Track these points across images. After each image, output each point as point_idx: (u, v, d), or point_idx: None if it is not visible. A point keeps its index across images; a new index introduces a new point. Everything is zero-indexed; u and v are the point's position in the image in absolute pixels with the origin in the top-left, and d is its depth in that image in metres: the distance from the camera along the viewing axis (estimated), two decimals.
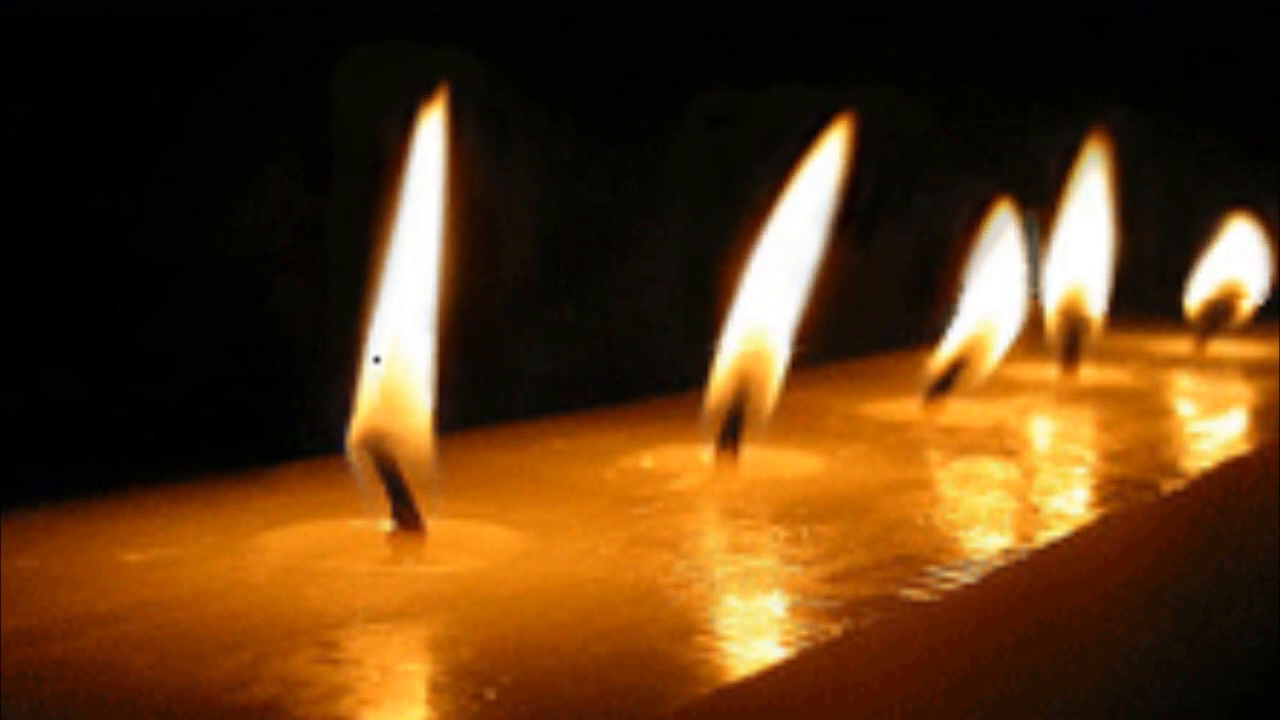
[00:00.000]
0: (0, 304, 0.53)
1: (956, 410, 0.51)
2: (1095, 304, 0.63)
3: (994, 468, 0.45)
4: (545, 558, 0.34)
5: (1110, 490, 0.43)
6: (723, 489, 0.40)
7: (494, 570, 0.33)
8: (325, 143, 0.60)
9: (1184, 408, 0.59)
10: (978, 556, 0.35)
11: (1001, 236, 0.55)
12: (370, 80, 0.58)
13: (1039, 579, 0.36)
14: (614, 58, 0.70)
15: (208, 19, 0.57)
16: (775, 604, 0.31)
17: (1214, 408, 0.58)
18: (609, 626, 0.29)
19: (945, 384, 0.51)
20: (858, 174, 0.45)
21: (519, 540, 0.35)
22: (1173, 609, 0.45)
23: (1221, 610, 0.48)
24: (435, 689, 0.26)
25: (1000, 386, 0.55)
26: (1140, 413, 0.55)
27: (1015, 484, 0.43)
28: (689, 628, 0.29)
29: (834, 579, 0.33)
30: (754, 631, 0.30)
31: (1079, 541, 0.38)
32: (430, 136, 0.35)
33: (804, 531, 0.36)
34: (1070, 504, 0.41)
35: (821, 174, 0.45)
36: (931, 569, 0.34)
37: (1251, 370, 0.65)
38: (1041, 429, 0.53)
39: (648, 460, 0.43)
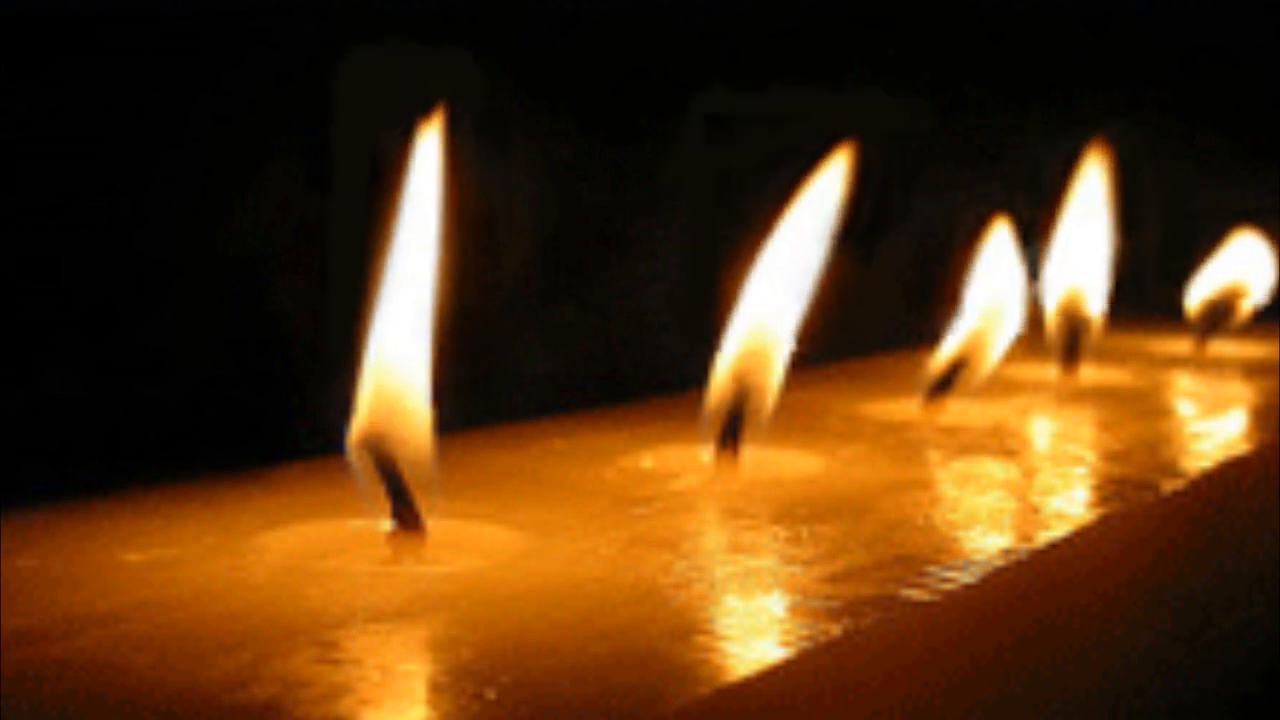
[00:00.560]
0: (0, 304, 0.53)
1: (956, 410, 0.51)
2: (1095, 304, 0.63)
3: (994, 468, 0.45)
4: (545, 558, 0.34)
5: (1110, 490, 0.43)
6: (723, 489, 0.40)
7: (494, 570, 0.33)
8: (325, 143, 0.60)
9: (1184, 408, 0.59)
10: (978, 556, 0.35)
11: (1001, 237, 0.56)
12: (370, 80, 0.58)
13: (1039, 579, 0.36)
14: (614, 58, 0.70)
15: (208, 19, 0.57)
16: (775, 604, 0.31)
17: (1214, 408, 0.58)
18: (609, 626, 0.29)
19: (945, 384, 0.51)
20: (861, 185, 0.45)
21: (519, 540, 0.35)
22: (1173, 609, 0.45)
23: (1221, 610, 0.48)
24: (435, 689, 0.26)
25: (1000, 386, 0.55)
26: (1140, 413, 0.55)
27: (1015, 484, 0.43)
28: (689, 628, 0.29)
29: (834, 579, 0.33)
30: (754, 631, 0.30)
31: (1079, 541, 0.38)
32: (430, 137, 0.35)
33: (804, 531, 0.36)
34: (1070, 504, 0.41)
35: (826, 186, 0.45)
36: (931, 569, 0.34)
37: (1251, 370, 0.65)
38: (1041, 429, 0.53)
39: (648, 460, 0.43)
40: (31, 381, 0.54)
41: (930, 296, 0.56)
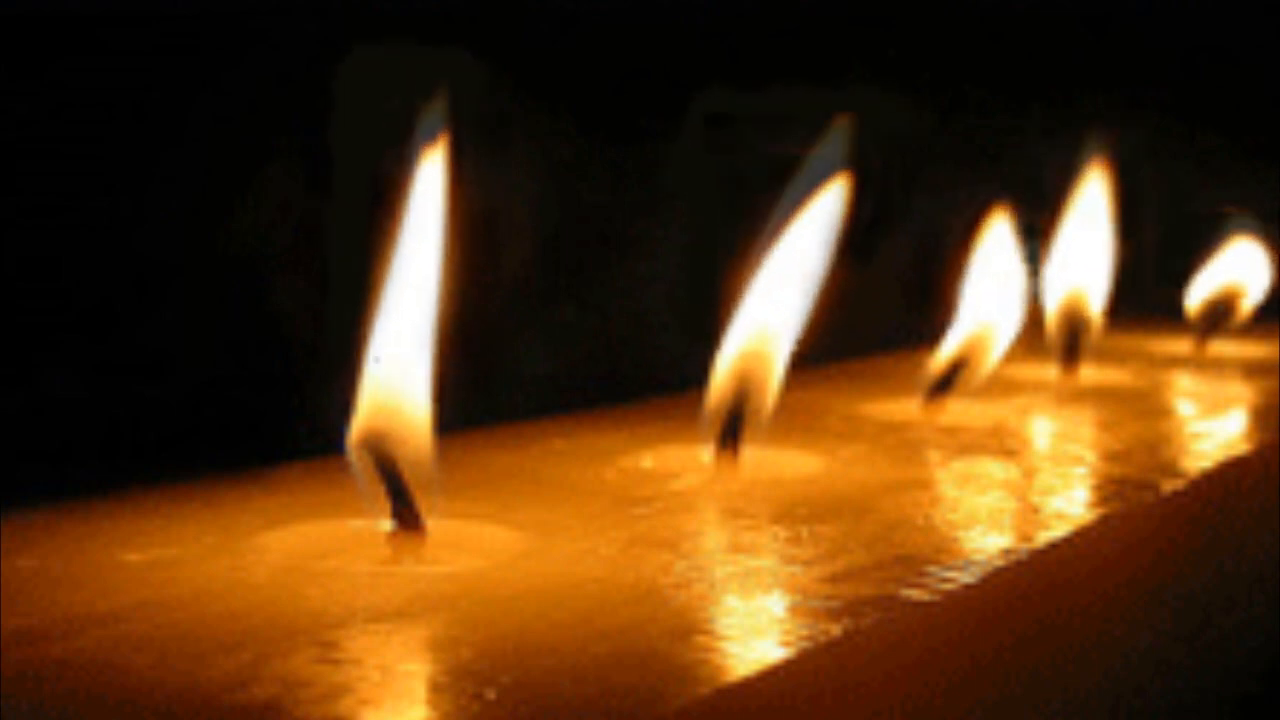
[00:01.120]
0: (0, 304, 0.53)
1: (956, 410, 0.51)
2: (1095, 304, 0.63)
3: (994, 468, 0.45)
4: (545, 558, 0.34)
5: (1110, 490, 0.43)
6: (723, 489, 0.40)
7: (494, 570, 0.33)
8: (325, 143, 0.60)
9: (1184, 408, 0.59)
10: (978, 556, 0.35)
11: (1001, 237, 0.56)
12: (370, 80, 0.58)
13: (1039, 579, 0.36)
14: (614, 58, 0.70)
15: (208, 19, 0.57)
16: (775, 604, 0.31)
17: (1214, 408, 0.58)
18: (609, 626, 0.29)
19: (945, 384, 0.51)
20: (862, 190, 0.45)
21: (519, 540, 0.35)
22: (1173, 609, 0.45)
23: (1221, 610, 0.48)
24: (435, 689, 0.26)
25: (1000, 386, 0.55)
26: (1140, 413, 0.55)
27: (1015, 484, 0.43)
28: (689, 628, 0.29)
29: (834, 579, 0.33)
30: (754, 631, 0.30)
31: (1079, 541, 0.38)
32: (430, 138, 0.35)
33: (804, 531, 0.36)
34: (1070, 504, 0.41)
35: (827, 192, 0.45)
36: (931, 569, 0.34)
37: (1251, 370, 0.65)
38: (1041, 429, 0.53)
39: (648, 460, 0.43)
40: (31, 381, 0.54)
41: (930, 296, 0.56)
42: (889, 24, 0.81)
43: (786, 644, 0.29)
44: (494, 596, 0.31)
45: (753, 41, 0.76)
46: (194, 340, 0.58)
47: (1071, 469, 0.46)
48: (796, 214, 0.44)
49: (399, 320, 0.35)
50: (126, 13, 0.54)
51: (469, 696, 0.26)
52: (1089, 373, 0.61)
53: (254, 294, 0.59)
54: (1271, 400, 0.58)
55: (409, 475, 0.34)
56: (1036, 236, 0.63)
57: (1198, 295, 0.74)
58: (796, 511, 0.38)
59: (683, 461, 0.43)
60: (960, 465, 0.45)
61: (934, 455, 0.46)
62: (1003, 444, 0.48)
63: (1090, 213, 0.65)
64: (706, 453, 0.43)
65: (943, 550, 0.36)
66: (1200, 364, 0.67)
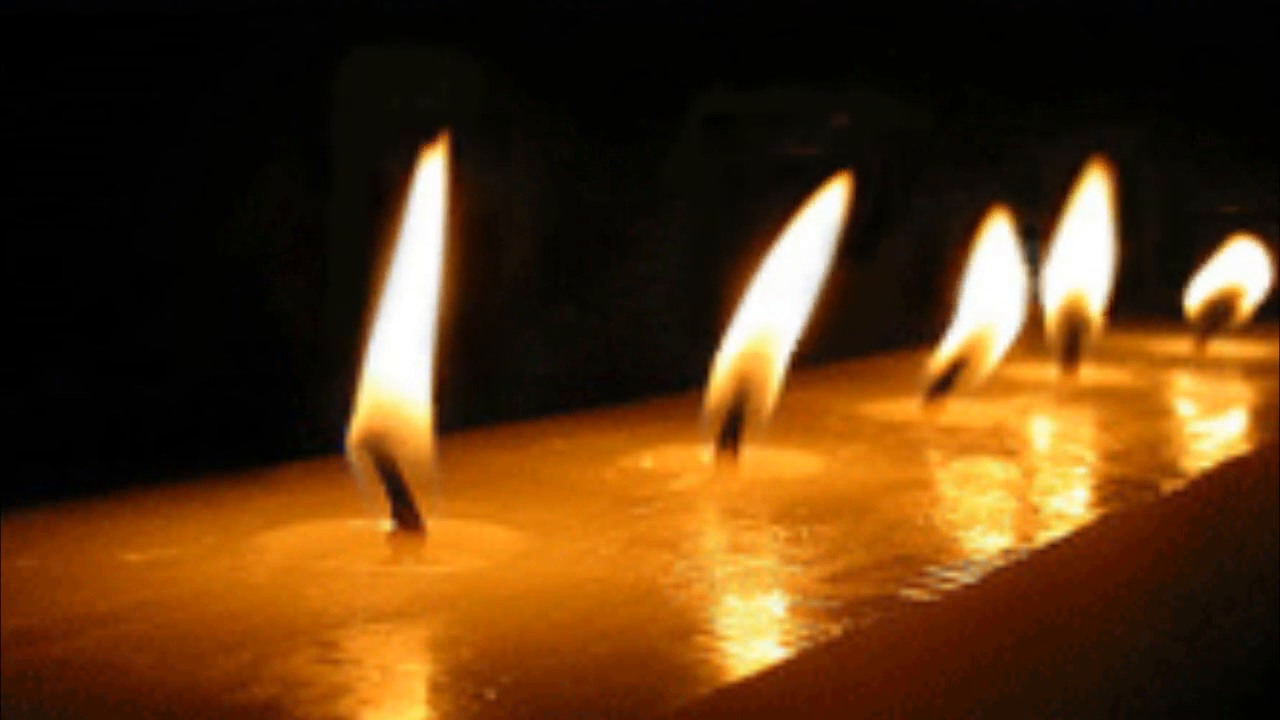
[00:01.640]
0: (0, 304, 0.53)
1: (956, 410, 0.51)
2: (1095, 304, 0.63)
3: (994, 468, 0.45)
4: (545, 558, 0.34)
5: (1110, 490, 0.43)
6: (723, 489, 0.40)
7: (494, 570, 0.33)
8: (325, 143, 0.60)
9: (1184, 408, 0.59)
10: (978, 556, 0.35)
11: (1001, 237, 0.56)
12: (370, 80, 0.58)
13: (1039, 579, 0.36)
14: (614, 58, 0.70)
15: (208, 19, 0.57)
16: (775, 604, 0.31)
17: (1214, 408, 0.58)
18: (609, 626, 0.29)
19: (945, 384, 0.51)
20: (862, 190, 0.45)
21: (519, 540, 0.35)
22: (1173, 609, 0.45)
23: (1221, 610, 0.48)
24: (435, 689, 0.26)
25: (1000, 386, 0.55)
26: (1140, 413, 0.55)
27: (1015, 484, 0.43)
28: (689, 628, 0.29)
29: (834, 579, 0.33)
30: (754, 631, 0.30)
31: (1079, 541, 0.38)
32: (430, 139, 0.35)
33: (804, 531, 0.36)
34: (1070, 504, 0.41)
35: (828, 195, 0.45)
36: (931, 569, 0.34)
37: (1251, 370, 0.65)
38: (1041, 429, 0.53)
39: (648, 460, 0.43)
40: (31, 381, 0.54)
41: (930, 296, 0.56)
42: (889, 24, 0.81)
43: (786, 644, 0.29)
44: (494, 596, 0.31)
45: (753, 41, 0.76)
46: (194, 340, 0.58)
47: (1071, 469, 0.46)
48: (797, 217, 0.45)
49: (399, 320, 0.35)
50: (126, 13, 0.54)
51: (469, 696, 0.26)
52: (1089, 373, 0.61)
53: (254, 294, 0.59)
54: (1271, 400, 0.58)
55: (409, 475, 0.34)
56: (1036, 237, 0.63)
57: (1198, 295, 0.74)
58: (796, 511, 0.38)
59: (683, 461, 0.43)
60: (960, 465, 0.45)
61: (934, 455, 0.46)
62: (1003, 444, 0.48)
63: (1090, 213, 0.65)
64: (706, 453, 0.43)
65: (943, 550, 0.36)
66: (1200, 364, 0.67)
